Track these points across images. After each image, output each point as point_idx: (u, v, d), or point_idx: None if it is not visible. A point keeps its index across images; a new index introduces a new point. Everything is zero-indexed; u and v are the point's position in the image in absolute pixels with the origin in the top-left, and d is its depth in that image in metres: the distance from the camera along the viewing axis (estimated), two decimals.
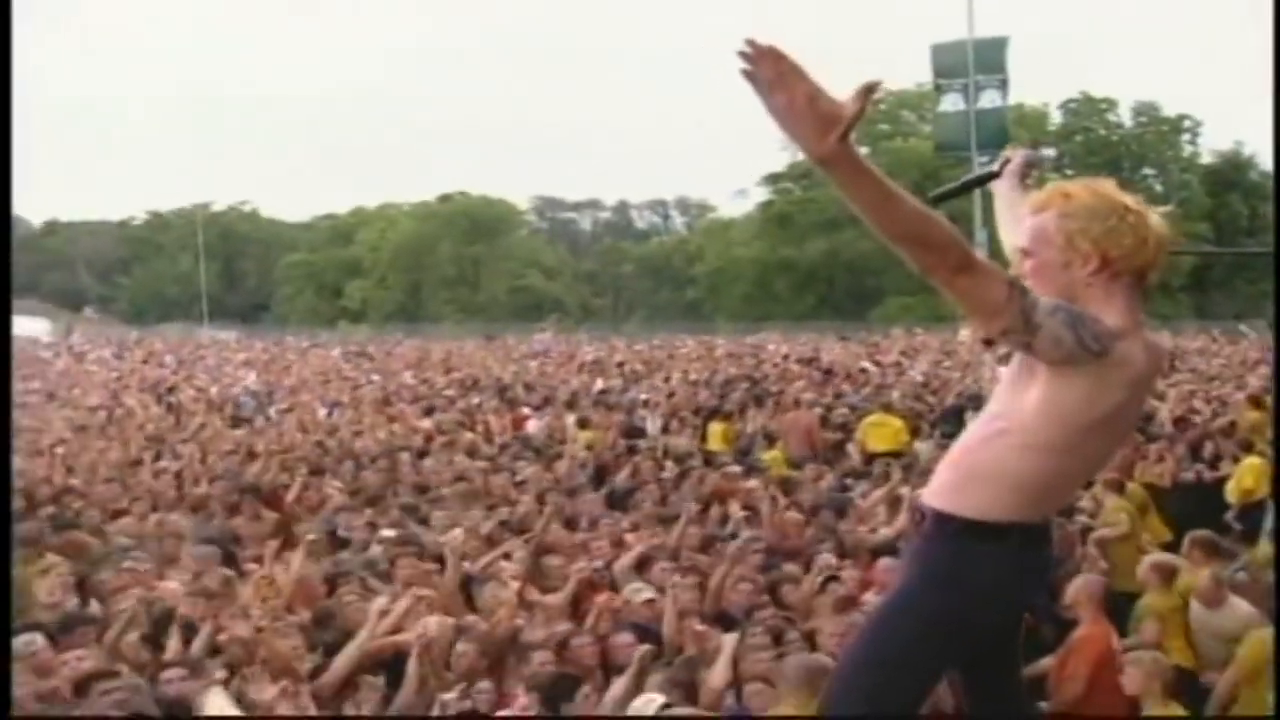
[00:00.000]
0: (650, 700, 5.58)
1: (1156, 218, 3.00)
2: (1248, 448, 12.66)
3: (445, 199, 72.61)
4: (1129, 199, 2.99)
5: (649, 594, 7.33)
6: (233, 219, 79.31)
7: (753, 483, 11.51)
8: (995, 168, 3.77)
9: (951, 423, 14.91)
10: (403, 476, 12.91)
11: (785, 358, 27.53)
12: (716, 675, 6.14)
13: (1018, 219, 3.26)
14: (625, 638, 6.49)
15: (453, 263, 68.06)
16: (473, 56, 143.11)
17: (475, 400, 20.60)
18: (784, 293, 56.36)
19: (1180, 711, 6.36)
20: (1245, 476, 11.67)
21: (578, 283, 71.73)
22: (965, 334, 32.94)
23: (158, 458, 14.38)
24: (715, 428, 16.33)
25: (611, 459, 13.93)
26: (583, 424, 16.62)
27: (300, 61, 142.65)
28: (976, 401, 15.39)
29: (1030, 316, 2.72)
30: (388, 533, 9.40)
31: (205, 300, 64.85)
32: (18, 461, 13.66)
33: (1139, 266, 2.96)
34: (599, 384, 22.59)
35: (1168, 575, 7.98)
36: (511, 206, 74.99)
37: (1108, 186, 3.02)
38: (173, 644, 6.46)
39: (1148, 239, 2.95)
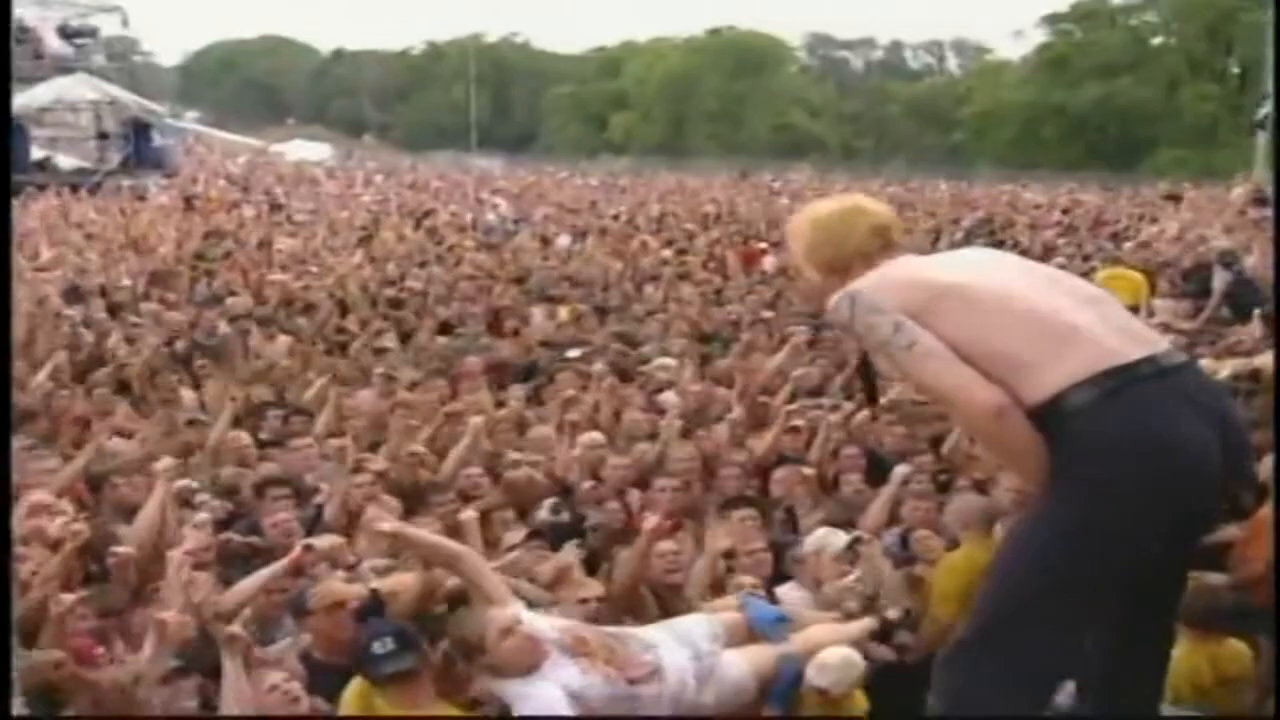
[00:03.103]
0: (833, 533, 5.67)
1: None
2: None
3: (714, 33, 71.88)
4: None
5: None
6: (505, 50, 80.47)
7: None
8: None
9: (1195, 281, 14.23)
10: (624, 303, 13.25)
11: (1038, 207, 26.62)
12: (871, 518, 6.20)
13: None
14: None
15: (716, 98, 67.62)
16: None
17: (715, 235, 20.71)
18: (1051, 139, 54.15)
19: None
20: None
21: (841, 123, 70.23)
22: (1239, 190, 31.01)
23: (402, 278, 15.11)
24: None
25: None
26: None
27: None
28: (1227, 258, 14.60)
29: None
30: (573, 353, 9.76)
31: (474, 129, 66.48)
32: (277, 275, 14.69)
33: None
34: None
35: None
36: (781, 42, 73.73)
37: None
38: None
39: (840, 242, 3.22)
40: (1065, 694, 3.73)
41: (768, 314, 12.32)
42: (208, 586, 5.03)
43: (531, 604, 4.59)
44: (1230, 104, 50.42)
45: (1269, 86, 35.76)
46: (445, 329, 11.96)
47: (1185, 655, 4.90)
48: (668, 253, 17.75)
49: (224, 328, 11.31)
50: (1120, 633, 3.08)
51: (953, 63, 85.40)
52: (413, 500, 6.20)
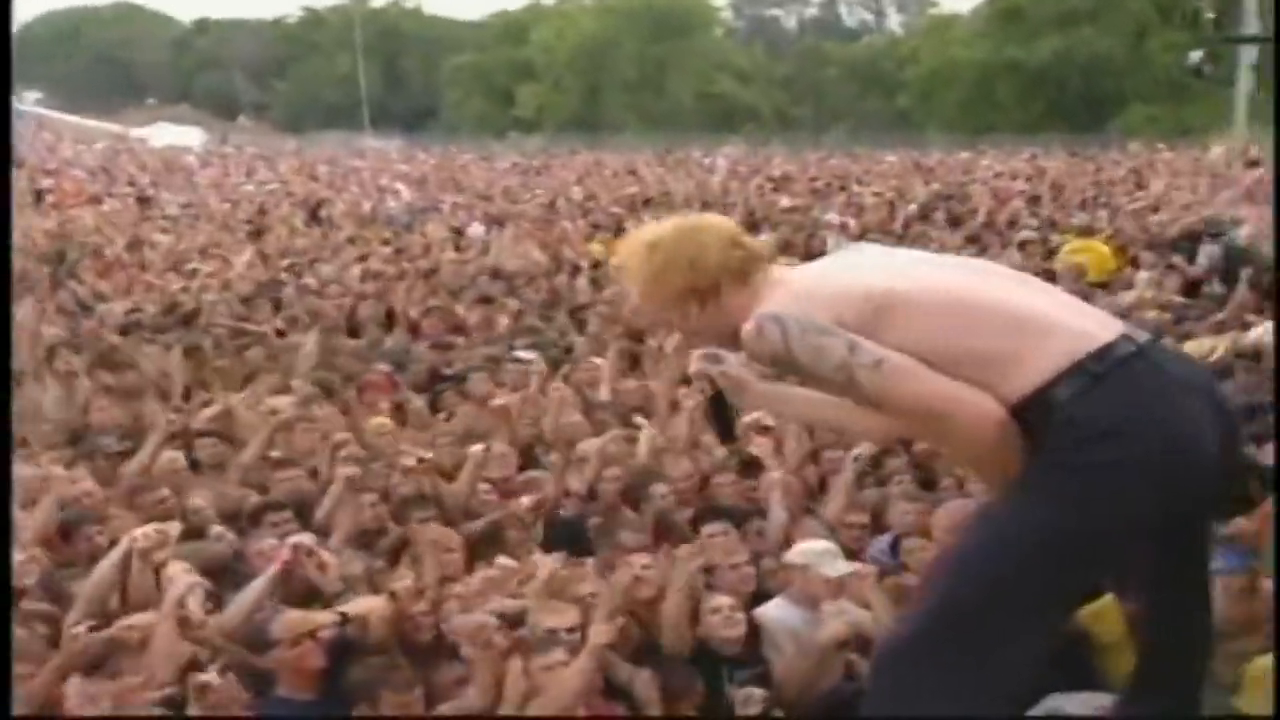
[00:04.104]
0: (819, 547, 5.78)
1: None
2: None
3: None
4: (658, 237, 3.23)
5: None
6: (394, 15, 79.65)
7: None
8: None
9: (1185, 249, 14.47)
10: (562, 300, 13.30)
11: (999, 175, 26.98)
12: (832, 509, 6.39)
13: None
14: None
15: (635, 65, 67.30)
16: None
17: (646, 219, 20.75)
18: (1007, 99, 54.45)
19: None
20: None
21: (774, 89, 70.21)
22: (1217, 150, 31.60)
23: (299, 277, 14.99)
24: None
25: None
26: None
27: None
28: (1214, 229, 14.91)
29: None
30: (525, 354, 9.88)
31: (366, 106, 65.86)
32: (154, 279, 14.54)
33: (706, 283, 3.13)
34: (784, 201, 22.47)
35: None
36: (704, 2, 73.90)
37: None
38: None
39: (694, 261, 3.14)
40: (1076, 703, 3.86)
41: None
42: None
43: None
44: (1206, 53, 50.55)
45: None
46: (353, 332, 11.97)
47: None
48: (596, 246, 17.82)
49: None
50: (1154, 628, 3.18)
51: (894, 19, 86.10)
52: None
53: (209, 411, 8.75)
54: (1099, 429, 2.73)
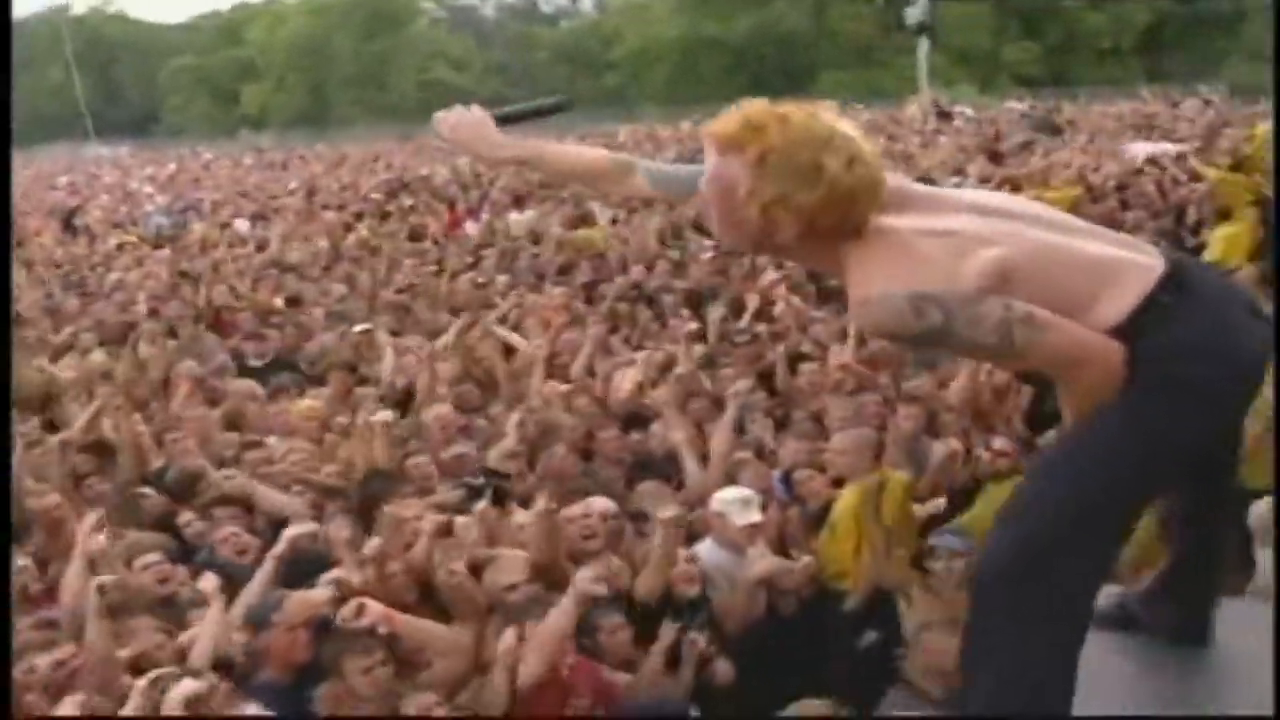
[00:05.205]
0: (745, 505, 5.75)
1: (870, 155, 2.63)
2: (1226, 215, 12.66)
3: None
4: (840, 136, 2.59)
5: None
6: (98, 22, 76.21)
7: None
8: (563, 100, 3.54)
9: None
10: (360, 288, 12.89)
11: None
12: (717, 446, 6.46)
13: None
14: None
15: (354, 59, 66.21)
16: None
17: (407, 203, 20.37)
18: (711, 74, 55.41)
19: None
20: (1215, 246, 11.56)
21: (489, 74, 69.98)
22: (915, 109, 32.91)
23: (81, 284, 14.17)
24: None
25: None
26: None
27: None
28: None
29: None
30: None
31: (88, 116, 62.83)
32: None
33: (850, 227, 2.62)
34: (535, 177, 22.31)
35: None
36: None
37: (810, 129, 2.59)
38: None
39: (859, 199, 2.59)
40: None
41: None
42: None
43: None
44: (880, 24, 53.00)
45: None
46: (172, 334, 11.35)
47: None
48: (363, 229, 17.39)
49: None
50: (1187, 539, 3.21)
51: (587, 3, 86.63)
52: None
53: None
54: (1178, 353, 2.69)
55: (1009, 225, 2.81)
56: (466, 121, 3.13)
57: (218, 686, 4.11)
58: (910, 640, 4.91)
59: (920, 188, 2.85)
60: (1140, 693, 3.22)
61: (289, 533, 5.21)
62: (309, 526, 5.39)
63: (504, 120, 3.16)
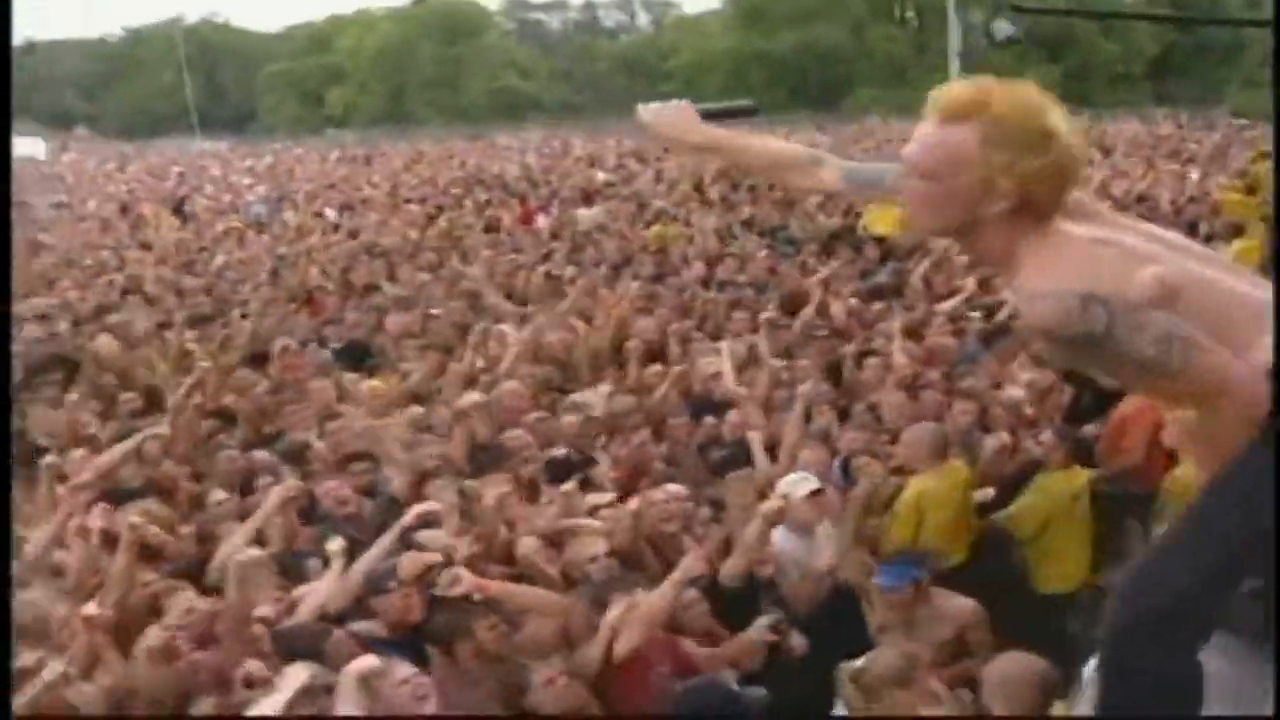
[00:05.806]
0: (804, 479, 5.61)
1: (1077, 137, 2.45)
2: (1238, 230, 12.43)
3: (419, 2, 70.47)
4: (1055, 114, 2.43)
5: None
6: (206, 31, 77.06)
7: None
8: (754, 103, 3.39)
9: None
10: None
11: None
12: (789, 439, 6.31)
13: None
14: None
15: (433, 65, 66.30)
16: None
17: (482, 197, 20.29)
18: (758, 84, 55.22)
19: None
20: (1230, 258, 11.33)
21: (553, 82, 70.13)
22: None
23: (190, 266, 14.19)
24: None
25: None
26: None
27: None
28: None
29: None
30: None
31: (195, 114, 63.29)
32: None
33: (1052, 207, 2.44)
34: (600, 176, 22.24)
35: None
36: (482, 8, 73.03)
37: (1033, 98, 2.43)
38: None
39: (1067, 176, 2.43)
40: None
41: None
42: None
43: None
44: (914, 44, 52.85)
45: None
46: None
47: None
48: (443, 221, 17.32)
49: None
50: None
51: (643, 19, 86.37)
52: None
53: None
54: None
55: (1171, 254, 2.60)
56: (670, 109, 3.14)
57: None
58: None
59: (1094, 204, 2.66)
60: None
61: (418, 508, 5.11)
62: (433, 504, 5.27)
63: (703, 116, 3.15)
